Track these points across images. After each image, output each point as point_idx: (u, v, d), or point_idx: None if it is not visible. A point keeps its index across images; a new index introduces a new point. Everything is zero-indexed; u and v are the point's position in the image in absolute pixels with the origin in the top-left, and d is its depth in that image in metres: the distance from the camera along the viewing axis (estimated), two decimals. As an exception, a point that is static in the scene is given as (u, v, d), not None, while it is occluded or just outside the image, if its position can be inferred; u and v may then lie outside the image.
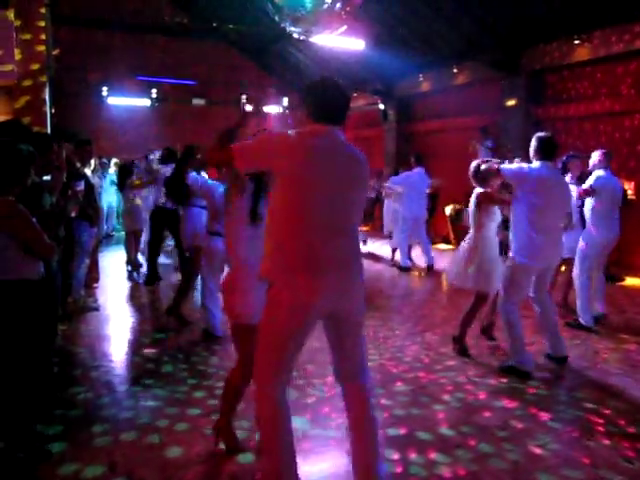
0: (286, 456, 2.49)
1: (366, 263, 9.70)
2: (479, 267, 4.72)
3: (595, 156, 5.81)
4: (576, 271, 5.81)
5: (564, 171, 5.77)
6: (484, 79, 11.45)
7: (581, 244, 5.76)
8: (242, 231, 2.89)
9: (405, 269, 8.97)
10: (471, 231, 4.87)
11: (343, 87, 2.59)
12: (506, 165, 4.63)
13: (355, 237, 2.59)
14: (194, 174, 4.98)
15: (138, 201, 8.48)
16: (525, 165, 4.50)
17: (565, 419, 3.60)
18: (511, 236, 4.49)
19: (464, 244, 4.93)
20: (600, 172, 5.68)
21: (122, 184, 8.41)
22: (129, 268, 8.48)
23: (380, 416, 3.56)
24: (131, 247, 8.57)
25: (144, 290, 7.48)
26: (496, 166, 4.56)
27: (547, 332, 4.68)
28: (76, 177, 4.77)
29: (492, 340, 5.22)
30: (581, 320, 5.63)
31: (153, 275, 7.64)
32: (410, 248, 9.40)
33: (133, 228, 8.51)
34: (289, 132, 2.52)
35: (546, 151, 4.35)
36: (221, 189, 3.79)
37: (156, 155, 8.79)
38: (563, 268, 6.43)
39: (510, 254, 4.48)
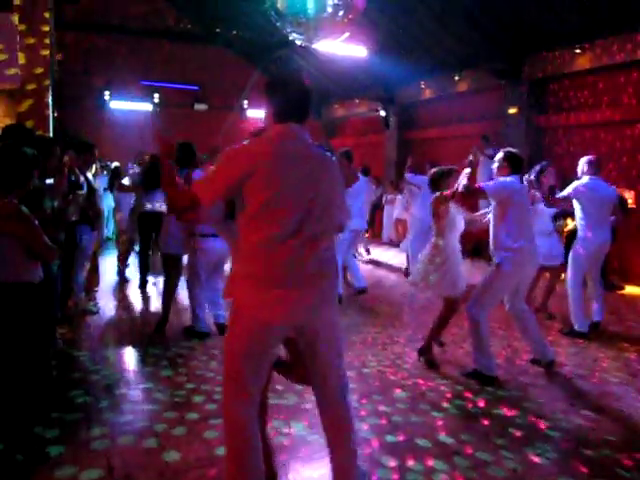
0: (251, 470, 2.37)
1: (368, 269, 9.69)
2: (445, 273, 4.60)
3: (582, 163, 5.79)
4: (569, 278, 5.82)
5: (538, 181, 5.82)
6: (486, 87, 11.48)
7: (576, 250, 5.76)
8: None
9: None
10: (433, 239, 4.75)
11: (304, 82, 2.45)
12: (485, 183, 4.58)
13: (329, 247, 2.42)
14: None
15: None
16: (501, 179, 4.53)
17: (564, 428, 3.59)
18: (493, 246, 4.49)
19: (426, 252, 4.77)
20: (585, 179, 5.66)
21: (112, 186, 8.84)
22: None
23: (378, 423, 3.57)
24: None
25: (143, 294, 7.48)
26: (475, 185, 4.48)
27: (531, 339, 4.68)
28: (76, 187, 4.82)
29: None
30: (575, 327, 5.68)
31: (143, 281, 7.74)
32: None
33: (122, 229, 8.93)
34: (248, 142, 2.38)
35: (515, 166, 4.57)
36: None
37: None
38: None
39: (495, 261, 4.44)
